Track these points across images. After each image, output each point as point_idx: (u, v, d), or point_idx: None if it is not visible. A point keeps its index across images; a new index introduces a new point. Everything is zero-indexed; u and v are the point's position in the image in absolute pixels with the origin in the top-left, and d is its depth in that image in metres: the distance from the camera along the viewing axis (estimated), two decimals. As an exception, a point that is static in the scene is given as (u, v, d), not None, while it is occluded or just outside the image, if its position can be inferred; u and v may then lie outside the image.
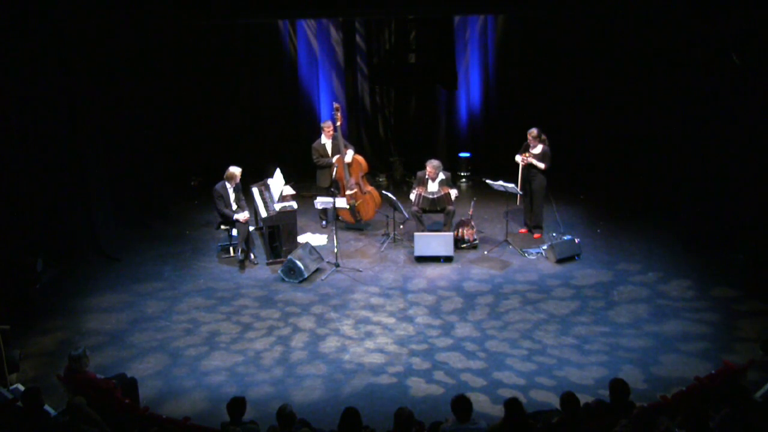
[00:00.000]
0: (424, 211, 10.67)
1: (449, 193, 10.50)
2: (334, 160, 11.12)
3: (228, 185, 10.39)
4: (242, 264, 10.41)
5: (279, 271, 10.07)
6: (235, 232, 10.52)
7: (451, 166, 12.75)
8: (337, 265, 10.18)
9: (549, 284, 9.72)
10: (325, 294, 9.67)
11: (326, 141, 11.22)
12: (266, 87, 13.26)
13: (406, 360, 8.27)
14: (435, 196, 10.51)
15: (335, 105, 11.13)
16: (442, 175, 10.66)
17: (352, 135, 13.32)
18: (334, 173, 11.11)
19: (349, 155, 11.08)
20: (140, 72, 11.53)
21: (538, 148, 10.50)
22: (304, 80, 13.28)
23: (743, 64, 9.24)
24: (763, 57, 9.24)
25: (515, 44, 13.02)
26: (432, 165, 10.61)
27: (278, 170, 11.26)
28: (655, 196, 11.56)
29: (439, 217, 10.86)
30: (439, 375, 8.00)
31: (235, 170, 10.39)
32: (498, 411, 7.03)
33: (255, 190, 11.10)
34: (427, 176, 10.66)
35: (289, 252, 10.20)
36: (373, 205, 11.34)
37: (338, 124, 10.94)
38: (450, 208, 10.57)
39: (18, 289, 9.24)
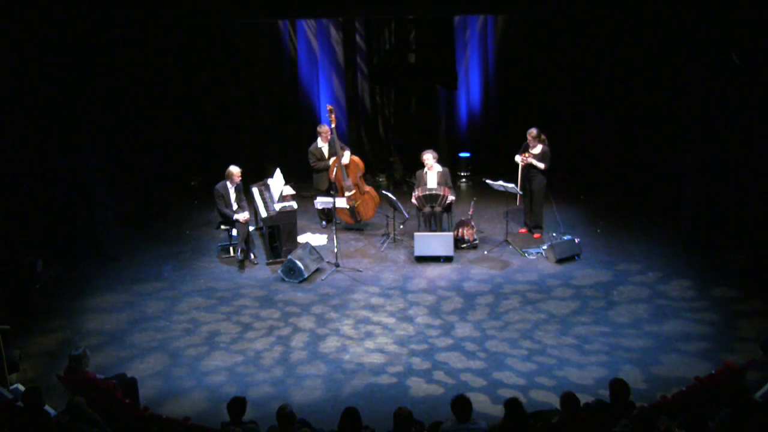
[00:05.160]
0: (424, 205, 10.58)
1: (446, 197, 10.46)
2: (330, 162, 11.13)
3: (229, 185, 10.39)
4: (242, 264, 10.40)
5: (279, 271, 10.07)
6: (235, 232, 10.52)
7: (451, 166, 12.73)
8: (337, 265, 10.18)
9: (549, 284, 9.72)
10: (325, 294, 9.67)
11: (323, 144, 11.23)
12: (266, 87, 13.26)
13: (406, 360, 8.27)
14: (434, 192, 10.47)
15: (329, 107, 11.14)
16: (439, 167, 10.64)
17: (351, 135, 13.33)
18: (333, 175, 11.11)
19: (346, 157, 11.07)
20: (140, 72, 11.54)
21: (538, 148, 10.50)
22: (304, 80, 13.27)
23: (743, 64, 9.24)
24: (763, 57, 9.24)
25: (515, 44, 13.01)
26: (428, 153, 10.58)
27: (278, 170, 11.26)
28: (655, 197, 11.56)
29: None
30: (439, 375, 8.00)
31: (234, 169, 10.38)
32: (498, 411, 7.03)
33: (255, 190, 11.10)
34: (426, 170, 10.65)
35: (289, 252, 10.20)
36: (372, 205, 11.35)
37: (333, 126, 10.95)
38: (440, 209, 10.49)
39: (18, 289, 9.24)
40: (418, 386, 7.82)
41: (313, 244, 10.43)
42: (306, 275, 9.95)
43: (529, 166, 10.54)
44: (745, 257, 9.77)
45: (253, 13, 10.92)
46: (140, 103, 11.66)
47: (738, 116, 9.67)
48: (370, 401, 7.54)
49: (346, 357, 8.36)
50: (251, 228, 10.75)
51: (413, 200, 10.65)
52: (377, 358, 8.31)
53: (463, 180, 13.33)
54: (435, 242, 10.29)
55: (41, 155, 10.06)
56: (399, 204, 10.58)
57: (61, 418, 6.27)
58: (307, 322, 9.05)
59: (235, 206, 10.42)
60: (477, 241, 10.72)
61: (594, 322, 8.86)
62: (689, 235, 10.44)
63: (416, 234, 10.37)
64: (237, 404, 6.17)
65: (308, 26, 13.05)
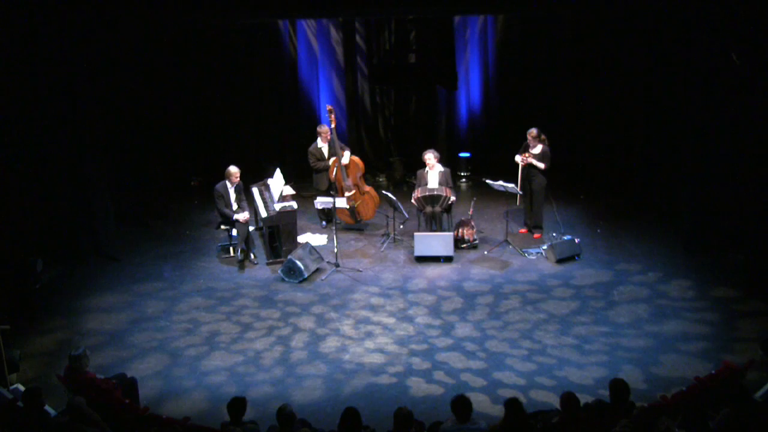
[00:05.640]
0: (424, 206, 10.58)
1: (448, 197, 10.46)
2: (330, 162, 11.13)
3: (229, 185, 10.39)
4: (242, 264, 10.40)
5: (279, 271, 10.07)
6: (235, 232, 10.52)
7: (451, 166, 12.71)
8: (337, 265, 10.17)
9: (549, 284, 9.72)
10: (325, 294, 9.67)
11: (323, 145, 11.24)
12: (266, 87, 13.26)
13: (406, 360, 8.27)
14: (435, 193, 10.47)
15: (328, 107, 11.15)
16: (440, 166, 10.64)
17: (351, 135, 13.33)
18: (333, 175, 11.11)
19: (346, 157, 11.07)
20: (140, 72, 11.54)
21: (538, 148, 10.51)
22: (304, 80, 13.28)
23: (743, 64, 9.23)
24: (763, 57, 9.24)
25: (515, 44, 13.02)
26: (429, 152, 10.59)
27: (278, 170, 11.27)
28: (655, 197, 11.56)
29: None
30: (439, 375, 8.00)
31: (234, 169, 10.37)
32: (498, 411, 7.03)
33: (255, 190, 11.10)
34: (427, 169, 10.65)
35: (289, 252, 10.20)
36: (372, 205, 11.35)
37: (333, 126, 10.95)
38: (441, 209, 10.49)
39: (18, 289, 9.24)
40: (418, 386, 7.82)
41: (313, 244, 10.43)
42: (306, 275, 9.95)
43: (529, 166, 10.54)
44: (745, 257, 9.77)
45: (253, 13, 10.93)
46: (140, 103, 11.65)
47: (738, 116, 9.66)
48: (370, 401, 7.54)
49: (346, 357, 8.36)
50: (251, 228, 10.75)
51: (413, 200, 10.66)
52: (377, 358, 8.31)
53: (463, 180, 13.33)
54: (435, 242, 10.29)
55: (41, 155, 10.06)
56: (399, 204, 10.58)
57: (61, 418, 6.27)
58: (307, 322, 9.05)
59: (235, 206, 10.42)
60: (477, 241, 10.72)
61: (594, 322, 8.86)
62: (689, 235, 10.44)
63: (416, 234, 10.37)
64: (237, 404, 6.17)
65: (308, 26, 13.06)
